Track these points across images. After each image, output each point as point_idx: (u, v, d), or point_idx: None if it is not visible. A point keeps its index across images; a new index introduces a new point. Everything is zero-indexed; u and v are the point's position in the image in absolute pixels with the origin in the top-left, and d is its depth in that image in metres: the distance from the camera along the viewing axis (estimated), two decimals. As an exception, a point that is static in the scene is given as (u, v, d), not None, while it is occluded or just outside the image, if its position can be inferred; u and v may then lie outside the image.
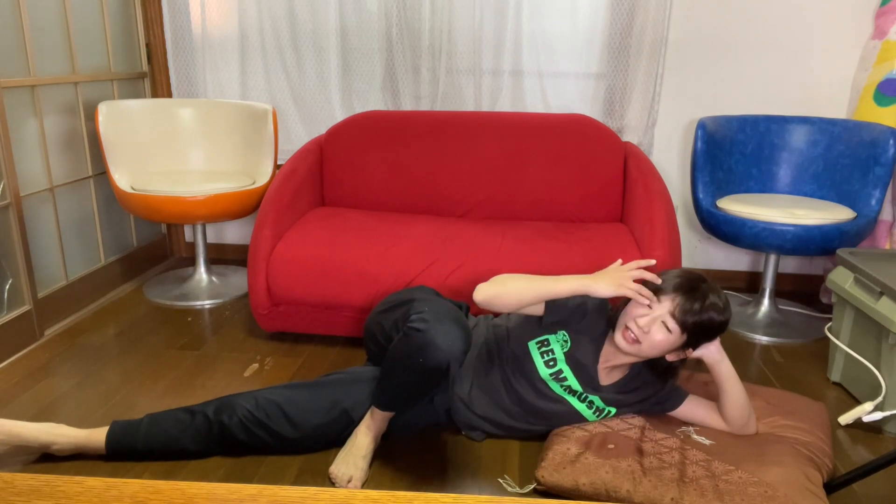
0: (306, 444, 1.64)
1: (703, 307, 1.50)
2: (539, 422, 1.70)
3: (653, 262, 1.57)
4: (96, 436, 1.60)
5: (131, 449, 1.59)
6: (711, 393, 1.78)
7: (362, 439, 1.61)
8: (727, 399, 1.63)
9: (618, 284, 1.52)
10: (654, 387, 1.69)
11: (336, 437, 1.65)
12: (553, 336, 1.68)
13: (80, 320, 2.45)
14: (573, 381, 1.67)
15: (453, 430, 1.77)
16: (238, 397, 1.63)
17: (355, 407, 1.65)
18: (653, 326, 1.53)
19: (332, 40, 2.79)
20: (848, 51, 2.63)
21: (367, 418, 1.63)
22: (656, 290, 1.54)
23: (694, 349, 1.58)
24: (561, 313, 1.66)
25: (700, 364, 1.66)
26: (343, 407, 1.64)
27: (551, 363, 1.67)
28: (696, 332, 1.52)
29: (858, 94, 2.56)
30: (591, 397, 1.68)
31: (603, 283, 1.53)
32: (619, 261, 1.61)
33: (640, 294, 1.51)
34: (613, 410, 1.70)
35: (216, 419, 1.60)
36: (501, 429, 1.71)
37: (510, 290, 1.58)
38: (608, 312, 1.68)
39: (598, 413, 1.70)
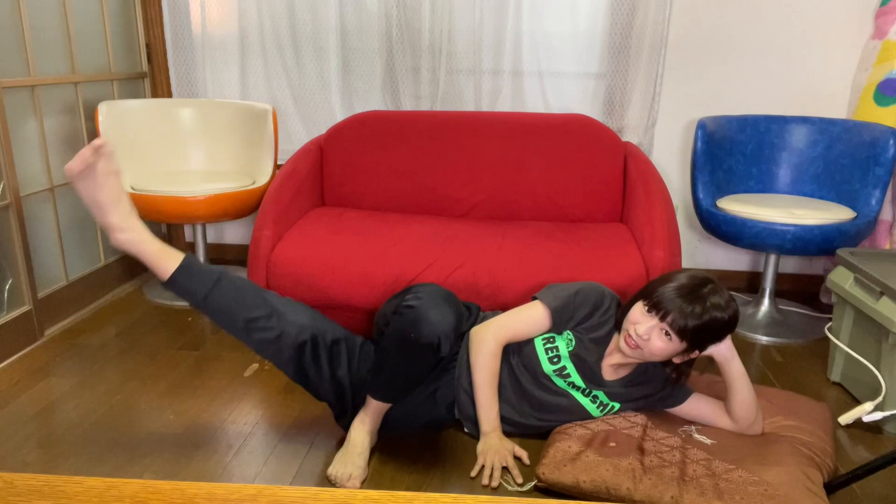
0: (334, 391, 1.63)
1: (705, 309, 1.50)
2: (545, 416, 1.70)
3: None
4: (168, 260, 1.48)
5: (191, 293, 1.50)
6: (716, 392, 1.78)
7: (357, 435, 1.60)
8: (736, 398, 1.63)
9: (496, 456, 1.60)
10: (661, 382, 1.70)
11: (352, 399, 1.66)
12: (559, 335, 1.69)
13: (80, 320, 2.45)
14: (576, 378, 1.68)
15: (454, 428, 1.77)
16: (311, 324, 1.59)
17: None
18: (652, 334, 1.53)
19: (332, 40, 2.79)
20: (848, 51, 2.63)
21: (362, 413, 1.62)
22: (656, 301, 1.53)
23: (701, 351, 1.58)
24: (566, 315, 1.67)
25: (710, 363, 1.66)
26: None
27: (555, 359, 1.68)
28: (698, 335, 1.52)
29: (858, 94, 2.56)
30: (595, 392, 1.69)
31: (490, 450, 1.62)
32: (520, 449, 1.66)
33: (489, 479, 1.56)
34: (617, 406, 1.71)
35: (279, 325, 1.54)
36: (507, 423, 1.71)
37: (475, 365, 1.66)
38: (614, 314, 1.68)
39: (601, 408, 1.70)
